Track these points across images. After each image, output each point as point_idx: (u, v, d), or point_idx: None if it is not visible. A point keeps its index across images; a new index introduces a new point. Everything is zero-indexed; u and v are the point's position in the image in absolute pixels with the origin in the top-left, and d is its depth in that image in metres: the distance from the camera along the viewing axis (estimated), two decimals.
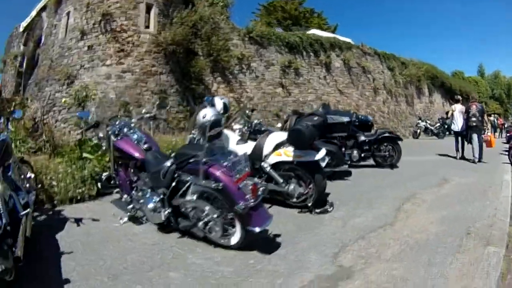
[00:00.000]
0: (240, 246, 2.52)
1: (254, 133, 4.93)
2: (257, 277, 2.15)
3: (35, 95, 10.46)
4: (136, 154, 3.07)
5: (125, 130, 3.30)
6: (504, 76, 40.09)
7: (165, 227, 2.91)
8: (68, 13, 10.32)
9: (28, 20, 14.91)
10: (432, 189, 4.64)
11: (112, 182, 3.41)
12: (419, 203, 3.90)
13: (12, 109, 9.61)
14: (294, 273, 2.20)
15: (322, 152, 3.61)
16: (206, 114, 3.49)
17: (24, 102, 9.27)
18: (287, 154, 3.67)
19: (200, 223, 2.60)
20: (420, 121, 16.73)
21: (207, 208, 2.58)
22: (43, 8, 12.99)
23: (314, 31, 15.74)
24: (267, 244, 2.63)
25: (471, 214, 3.46)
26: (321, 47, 13.60)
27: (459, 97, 9.03)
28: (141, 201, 2.97)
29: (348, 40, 15.93)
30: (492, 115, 21.52)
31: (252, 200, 2.42)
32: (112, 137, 3.19)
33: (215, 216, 2.56)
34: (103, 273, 2.17)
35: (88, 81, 8.82)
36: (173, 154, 3.05)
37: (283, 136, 3.93)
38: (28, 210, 2.29)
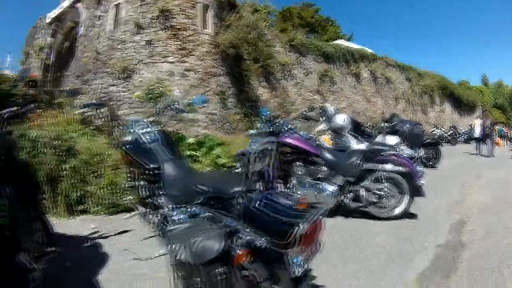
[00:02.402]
0: (401, 215, 3.37)
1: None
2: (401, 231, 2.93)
3: (78, 88, 10.02)
4: (312, 150, 3.61)
5: (286, 128, 3.81)
6: (507, 86, 41.23)
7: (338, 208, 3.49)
8: (117, 5, 10.08)
9: (56, 11, 14.59)
10: (474, 181, 5.80)
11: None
12: (471, 188, 5.16)
13: (55, 101, 9.67)
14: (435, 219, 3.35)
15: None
16: (345, 119, 4.23)
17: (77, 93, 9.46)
18: None
19: (372, 201, 3.35)
20: (435, 128, 17.77)
21: (387, 187, 3.35)
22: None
23: (340, 42, 16.62)
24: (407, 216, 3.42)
25: (506, 194, 4.68)
26: (352, 57, 14.47)
27: (478, 114, 11.17)
28: (319, 187, 3.50)
29: (370, 50, 16.92)
30: (499, 125, 22.99)
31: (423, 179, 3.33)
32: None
33: (396, 193, 3.30)
34: None
35: (149, 76, 8.91)
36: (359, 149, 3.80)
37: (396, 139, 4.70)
38: None
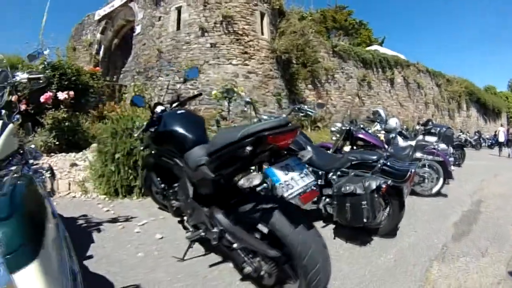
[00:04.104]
0: (436, 193, 4.47)
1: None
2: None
3: (138, 83, 10.51)
4: (377, 143, 4.70)
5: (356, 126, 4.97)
6: None
7: None
8: (179, 8, 10.86)
9: (107, 9, 15.36)
10: (492, 178, 6.85)
11: None
12: (489, 182, 6.18)
13: (119, 93, 10.56)
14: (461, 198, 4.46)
15: None
16: (397, 122, 5.38)
17: (141, 89, 10.52)
18: None
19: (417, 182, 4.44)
20: (461, 133, 18.52)
21: (428, 171, 4.56)
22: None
23: (376, 47, 17.51)
24: (440, 195, 4.53)
25: None
26: (388, 64, 15.38)
27: (502, 122, 12.34)
28: None
29: (400, 55, 17.72)
30: None
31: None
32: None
33: (434, 176, 4.53)
34: None
35: (215, 77, 9.98)
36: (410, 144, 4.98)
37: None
38: None
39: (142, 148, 2.77)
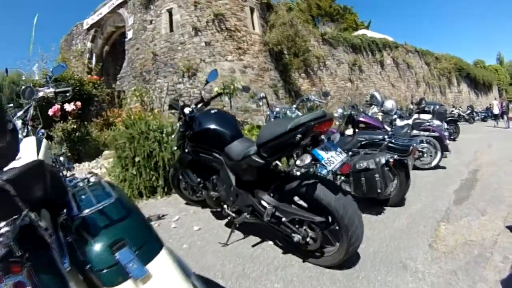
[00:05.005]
0: (435, 166, 4.82)
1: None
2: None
3: (139, 87, 10.87)
4: (378, 124, 5.01)
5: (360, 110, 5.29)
6: None
7: None
8: (169, 10, 11.02)
9: (95, 17, 15.36)
10: (486, 149, 7.27)
11: None
12: (483, 153, 6.58)
13: (118, 99, 10.67)
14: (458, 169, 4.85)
15: None
16: (393, 104, 5.69)
17: (142, 93, 10.62)
18: None
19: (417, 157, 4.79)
20: (454, 108, 18.95)
21: (426, 147, 4.90)
22: (118, 6, 13.52)
23: (363, 31, 17.74)
24: (439, 167, 4.87)
25: (508, 155, 6.02)
26: (376, 47, 15.64)
27: (494, 94, 12.94)
28: None
29: (387, 37, 17.99)
30: None
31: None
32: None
33: (432, 151, 4.89)
34: None
35: None
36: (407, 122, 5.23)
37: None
38: None
39: (175, 148, 2.99)
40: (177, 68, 10.44)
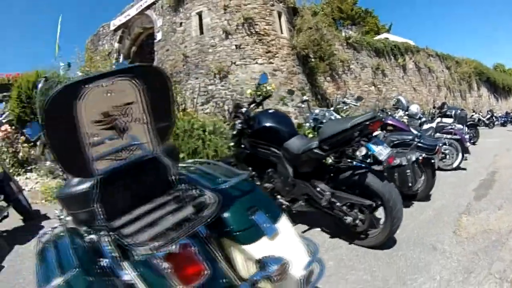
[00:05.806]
0: (456, 167, 5.11)
1: None
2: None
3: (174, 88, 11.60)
4: (405, 127, 5.29)
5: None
6: None
7: None
8: (199, 13, 11.28)
9: (123, 19, 15.76)
10: (504, 152, 7.47)
11: None
12: (501, 156, 6.76)
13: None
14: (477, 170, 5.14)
15: None
16: (417, 108, 6.08)
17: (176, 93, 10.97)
18: None
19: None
20: (474, 113, 18.93)
21: (448, 148, 5.19)
22: (146, 7, 13.93)
23: (385, 35, 17.96)
24: (460, 169, 5.17)
25: None
26: (399, 51, 15.87)
27: None
28: None
29: (409, 41, 18.17)
30: None
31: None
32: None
33: (454, 153, 5.20)
34: None
35: (243, 76, 10.49)
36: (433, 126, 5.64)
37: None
38: None
39: (232, 144, 3.31)
40: (209, 70, 10.79)
